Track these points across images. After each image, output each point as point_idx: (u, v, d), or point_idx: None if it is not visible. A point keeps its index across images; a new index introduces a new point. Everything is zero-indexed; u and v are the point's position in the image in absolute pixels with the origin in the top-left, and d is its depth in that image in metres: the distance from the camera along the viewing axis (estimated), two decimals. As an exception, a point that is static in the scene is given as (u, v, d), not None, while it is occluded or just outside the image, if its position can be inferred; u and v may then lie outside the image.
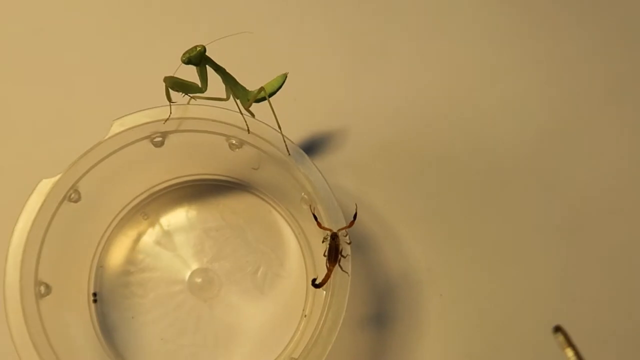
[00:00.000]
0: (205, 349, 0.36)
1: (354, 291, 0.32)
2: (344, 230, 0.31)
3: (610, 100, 0.44)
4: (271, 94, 0.33)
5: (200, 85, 0.32)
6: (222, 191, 0.39)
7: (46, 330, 0.30)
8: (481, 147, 0.42)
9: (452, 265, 0.40)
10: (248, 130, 0.32)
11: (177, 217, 0.39)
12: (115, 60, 0.43)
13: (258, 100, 0.33)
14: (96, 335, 0.36)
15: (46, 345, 0.30)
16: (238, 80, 0.33)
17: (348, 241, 0.32)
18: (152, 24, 0.44)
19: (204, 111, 0.33)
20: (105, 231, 0.37)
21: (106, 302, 0.37)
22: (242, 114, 0.32)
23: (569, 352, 0.22)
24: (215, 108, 0.33)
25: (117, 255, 0.38)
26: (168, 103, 0.32)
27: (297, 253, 0.38)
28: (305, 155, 0.32)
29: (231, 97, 0.33)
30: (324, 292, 0.31)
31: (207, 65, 0.31)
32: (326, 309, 0.30)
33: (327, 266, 0.31)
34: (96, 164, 0.32)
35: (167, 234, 0.38)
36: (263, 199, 0.39)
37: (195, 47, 0.30)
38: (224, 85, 0.33)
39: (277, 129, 0.32)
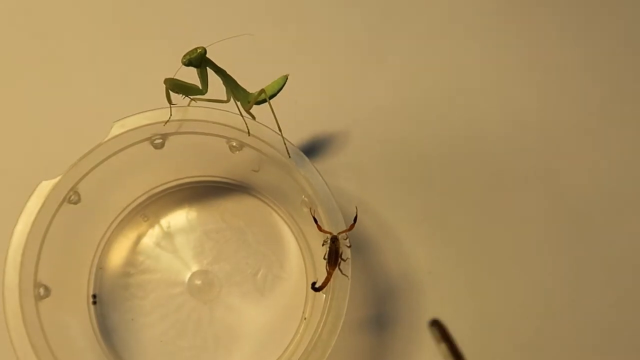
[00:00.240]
0: (205, 351, 0.36)
1: (354, 293, 0.32)
2: (344, 234, 0.31)
3: (610, 102, 0.44)
4: (272, 96, 0.33)
5: (200, 87, 0.32)
6: (223, 193, 0.39)
7: (45, 333, 0.30)
8: (482, 149, 0.42)
9: (453, 267, 0.40)
10: (248, 132, 0.32)
11: (177, 218, 0.39)
12: (116, 62, 0.43)
13: (259, 103, 0.33)
14: (95, 337, 0.36)
15: (45, 348, 0.30)
16: (239, 82, 0.33)
17: (348, 244, 0.31)
18: (152, 25, 0.44)
19: (204, 113, 0.33)
20: (105, 233, 0.37)
21: (106, 304, 0.37)
22: (242, 116, 0.32)
23: (443, 347, 0.22)
24: (215, 110, 0.33)
25: (117, 257, 0.38)
26: (168, 105, 0.32)
27: (297, 255, 0.38)
28: (306, 158, 0.32)
29: (232, 99, 0.33)
30: (324, 295, 0.31)
31: (207, 67, 0.31)
32: (326, 312, 0.30)
33: (327, 269, 0.31)
34: (96, 166, 0.32)
35: (167, 235, 0.38)
36: (263, 201, 0.39)
37: (196, 49, 0.30)
38: (224, 87, 0.33)
39: (278, 131, 0.32)
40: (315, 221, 0.32)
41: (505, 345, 0.38)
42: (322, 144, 0.41)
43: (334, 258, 0.31)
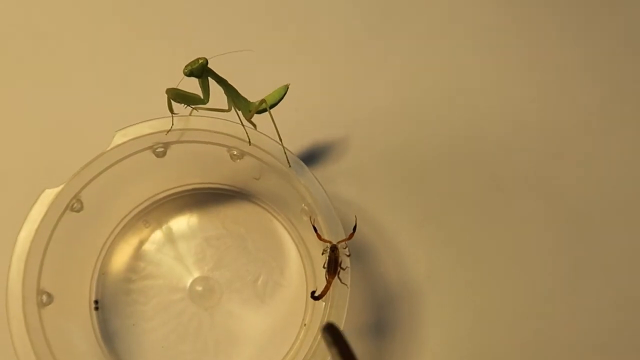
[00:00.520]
0: (206, 357, 0.37)
1: (353, 299, 0.32)
2: (343, 243, 0.32)
3: (610, 102, 0.44)
4: (272, 106, 0.33)
5: (202, 97, 0.32)
6: (223, 200, 0.39)
7: (48, 339, 0.30)
8: (481, 156, 0.42)
9: (452, 273, 0.40)
10: (249, 141, 0.33)
11: (179, 225, 0.39)
12: (118, 71, 0.43)
13: (259, 112, 0.33)
14: (98, 342, 0.36)
15: (48, 354, 0.30)
16: (240, 92, 0.33)
17: (347, 253, 0.32)
18: (155, 36, 0.44)
19: (205, 122, 0.33)
20: (107, 239, 0.38)
21: (108, 310, 0.37)
22: (243, 125, 0.33)
23: (333, 351, 0.22)
24: (217, 119, 0.33)
25: (119, 262, 0.38)
26: (170, 114, 0.32)
27: (297, 262, 0.38)
28: (306, 167, 0.32)
29: (233, 108, 0.33)
30: (324, 303, 0.32)
31: (209, 77, 0.32)
32: (325, 320, 0.30)
33: (326, 278, 0.31)
34: (99, 174, 0.32)
35: (168, 242, 0.38)
36: (264, 209, 0.39)
37: (198, 59, 0.30)
38: (225, 97, 0.33)
39: (278, 140, 0.32)
40: (315, 230, 0.32)
41: (504, 348, 0.39)
42: (322, 150, 0.42)
43: (333, 267, 0.31)
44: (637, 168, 0.43)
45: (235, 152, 0.33)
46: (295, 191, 0.33)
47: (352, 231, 0.32)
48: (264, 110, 0.33)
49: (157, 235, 0.39)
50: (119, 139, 0.32)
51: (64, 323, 0.34)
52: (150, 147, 0.33)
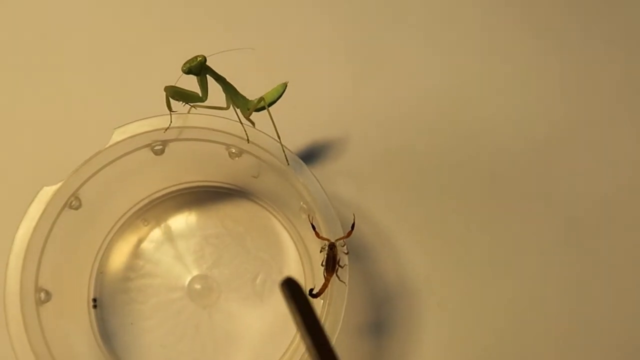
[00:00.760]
0: (204, 356, 0.37)
1: (352, 299, 0.32)
2: (341, 240, 0.32)
3: (610, 105, 0.44)
4: (271, 104, 0.33)
5: (200, 95, 0.32)
6: (222, 198, 0.39)
7: (46, 337, 0.30)
8: (480, 156, 0.42)
9: (450, 273, 0.40)
10: (248, 139, 0.33)
11: (177, 223, 0.39)
12: (117, 69, 0.43)
13: (258, 110, 0.33)
14: (96, 341, 0.36)
15: (45, 352, 0.30)
16: (238, 90, 0.33)
17: (346, 251, 0.32)
18: (153, 33, 0.45)
19: (204, 120, 0.33)
20: (106, 237, 0.38)
21: (106, 308, 0.37)
22: (242, 123, 0.33)
23: (291, 306, 0.21)
24: (215, 117, 0.33)
25: (117, 261, 0.38)
26: (168, 112, 0.32)
27: (295, 260, 0.38)
28: (304, 165, 0.32)
29: (231, 106, 0.33)
30: (322, 301, 0.32)
31: (207, 75, 0.32)
32: (324, 318, 0.30)
33: (324, 276, 0.31)
34: (97, 172, 0.32)
35: (167, 240, 0.38)
36: (263, 207, 0.39)
37: (196, 57, 0.30)
38: (224, 95, 0.33)
39: (277, 138, 0.32)
40: (314, 228, 0.32)
41: (502, 348, 0.39)
42: (321, 149, 0.42)
43: (331, 265, 0.31)
44: (638, 169, 0.43)
45: (233, 150, 0.33)
46: (294, 189, 0.33)
47: (350, 229, 0.32)
48: (263, 108, 0.33)
49: (156, 233, 0.39)
50: (117, 136, 0.32)
51: (62, 321, 0.34)
52: (148, 145, 0.33)
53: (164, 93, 0.31)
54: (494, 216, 0.41)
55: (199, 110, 0.33)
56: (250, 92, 0.34)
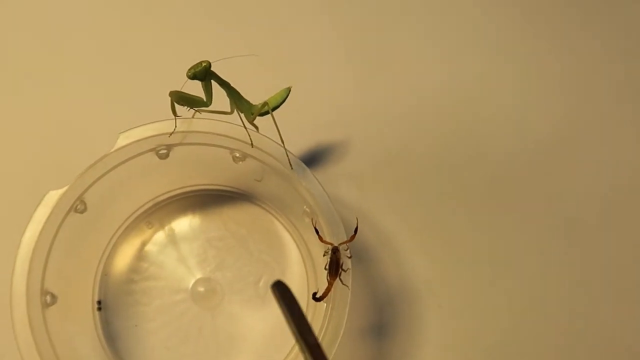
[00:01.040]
0: (208, 358, 0.37)
1: (354, 302, 0.33)
2: (344, 244, 0.32)
3: (610, 106, 0.45)
4: (274, 108, 0.34)
5: (205, 100, 0.33)
6: (226, 201, 0.40)
7: (51, 339, 0.31)
8: (481, 158, 0.43)
9: (452, 276, 0.40)
10: (252, 143, 0.33)
11: (181, 226, 0.39)
12: (122, 74, 0.43)
13: (262, 114, 0.34)
14: (100, 343, 0.36)
15: (51, 354, 0.30)
16: (242, 95, 0.33)
17: (349, 255, 0.32)
18: (158, 39, 0.45)
19: (208, 125, 0.33)
20: (110, 240, 0.38)
21: (110, 310, 0.37)
22: (245, 127, 0.33)
23: (282, 308, 0.23)
24: (219, 122, 0.33)
25: (122, 263, 0.38)
26: (173, 117, 0.32)
27: (298, 263, 0.39)
28: (308, 170, 0.33)
29: (235, 111, 0.33)
30: (325, 304, 0.32)
31: (212, 80, 0.32)
32: (326, 321, 0.31)
33: (327, 280, 0.31)
34: (102, 176, 0.33)
35: (171, 243, 0.39)
36: (266, 210, 0.39)
37: (201, 62, 0.31)
38: (228, 99, 0.33)
39: (280, 142, 0.33)
40: (317, 232, 0.32)
41: (504, 350, 0.39)
42: (324, 152, 0.42)
43: (334, 268, 0.31)
44: (638, 169, 0.43)
45: (237, 154, 0.34)
46: (297, 193, 0.33)
47: (353, 233, 0.32)
48: (266, 113, 0.33)
49: (160, 236, 0.39)
50: (122, 140, 0.33)
51: (67, 323, 0.34)
52: (153, 149, 0.33)
53: (169, 98, 0.32)
54: (494, 217, 0.41)
55: (204, 114, 0.33)
56: (254, 96, 0.34)
